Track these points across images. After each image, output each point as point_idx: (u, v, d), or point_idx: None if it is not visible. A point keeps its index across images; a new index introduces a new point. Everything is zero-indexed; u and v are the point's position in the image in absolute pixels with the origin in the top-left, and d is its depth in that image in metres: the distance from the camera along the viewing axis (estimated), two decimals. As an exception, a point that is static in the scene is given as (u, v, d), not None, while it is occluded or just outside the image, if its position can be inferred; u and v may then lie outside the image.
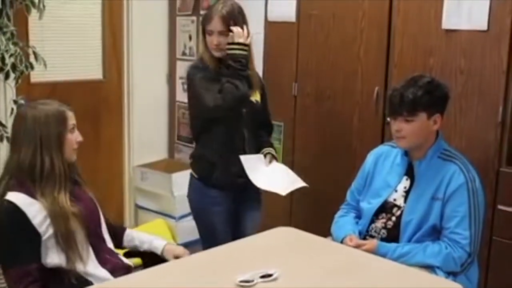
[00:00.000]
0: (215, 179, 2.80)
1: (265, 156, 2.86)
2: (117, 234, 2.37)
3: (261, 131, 2.94)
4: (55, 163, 2.09)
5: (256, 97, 2.85)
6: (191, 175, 2.91)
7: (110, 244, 2.26)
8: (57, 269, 2.05)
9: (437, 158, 2.43)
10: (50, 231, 2.03)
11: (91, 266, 2.10)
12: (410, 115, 2.36)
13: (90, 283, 2.05)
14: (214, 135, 2.77)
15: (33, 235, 2.01)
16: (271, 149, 2.91)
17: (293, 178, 2.86)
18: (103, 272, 2.11)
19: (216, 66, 2.75)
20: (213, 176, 2.80)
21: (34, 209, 2.02)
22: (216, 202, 2.82)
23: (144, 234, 2.42)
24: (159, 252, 2.32)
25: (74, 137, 2.17)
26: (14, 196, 2.03)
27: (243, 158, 2.75)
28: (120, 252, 2.36)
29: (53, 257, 2.04)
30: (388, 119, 3.04)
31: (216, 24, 2.72)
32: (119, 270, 2.15)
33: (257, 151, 2.87)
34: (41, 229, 2.02)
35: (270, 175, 2.80)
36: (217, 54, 2.77)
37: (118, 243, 2.37)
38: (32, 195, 2.05)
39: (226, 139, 2.77)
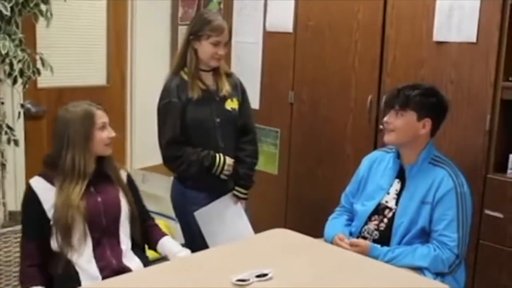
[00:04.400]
0: (191, 182, 2.85)
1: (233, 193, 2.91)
2: (151, 239, 2.44)
3: (242, 139, 2.94)
4: (77, 159, 2.20)
5: (232, 105, 2.87)
6: (173, 175, 2.95)
7: (124, 244, 2.29)
8: (57, 252, 2.18)
9: (428, 163, 2.48)
10: (53, 219, 2.17)
11: (84, 259, 2.17)
12: (401, 110, 2.44)
13: (77, 275, 2.15)
14: (188, 144, 2.79)
15: (40, 217, 2.18)
16: (240, 189, 2.91)
17: (242, 228, 2.90)
18: (93, 269, 2.17)
19: (199, 84, 2.78)
20: (188, 181, 2.85)
21: (48, 195, 2.18)
22: (193, 202, 2.84)
23: (174, 245, 2.43)
24: None
25: (105, 134, 2.28)
26: (35, 180, 2.23)
27: (197, 214, 2.80)
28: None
29: (53, 242, 2.18)
30: (381, 126, 3.16)
31: (225, 36, 2.77)
32: (109, 270, 2.19)
33: (235, 158, 2.89)
34: (49, 214, 2.17)
35: (223, 227, 2.84)
36: (217, 64, 2.80)
37: (153, 248, 2.45)
38: (51, 182, 2.21)
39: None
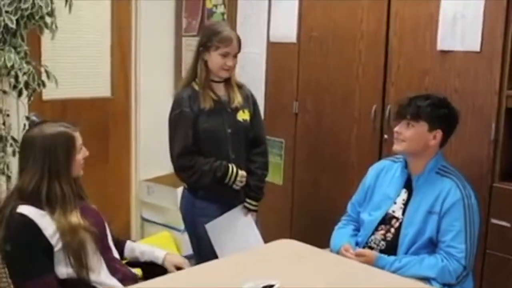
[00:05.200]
0: (202, 193, 2.85)
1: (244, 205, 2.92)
2: (118, 246, 2.38)
3: (253, 151, 2.94)
4: (64, 187, 2.09)
5: (243, 116, 2.88)
6: (184, 186, 2.96)
7: (116, 254, 2.29)
8: (69, 280, 2.07)
9: (435, 174, 2.49)
10: (60, 244, 2.04)
11: (103, 276, 2.13)
12: (413, 120, 2.44)
13: None
14: (199, 154, 2.81)
15: (46, 246, 2.03)
16: (250, 201, 2.92)
17: (253, 239, 2.89)
18: (114, 282, 2.14)
19: (210, 94, 2.79)
20: (199, 192, 2.86)
21: (45, 221, 2.03)
22: (203, 213, 2.84)
23: (144, 245, 2.45)
24: (160, 262, 2.35)
25: (81, 155, 2.19)
26: (25, 209, 2.03)
27: (208, 226, 2.81)
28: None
29: (62, 270, 2.06)
30: (386, 136, 3.16)
31: (234, 47, 2.77)
32: (128, 279, 2.18)
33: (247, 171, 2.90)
34: (53, 241, 2.03)
35: (233, 239, 2.83)
36: (226, 75, 2.82)
37: (120, 254, 2.38)
38: (42, 208, 2.06)
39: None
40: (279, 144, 3.72)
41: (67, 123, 2.18)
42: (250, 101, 2.94)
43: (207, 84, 2.82)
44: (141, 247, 2.42)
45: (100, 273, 2.13)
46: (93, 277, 2.10)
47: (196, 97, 2.80)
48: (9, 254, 2.04)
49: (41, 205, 2.05)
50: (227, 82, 2.88)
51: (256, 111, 2.97)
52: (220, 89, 2.87)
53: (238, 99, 2.86)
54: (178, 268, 2.35)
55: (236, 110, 2.87)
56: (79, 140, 2.18)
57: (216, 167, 2.77)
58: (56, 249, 2.04)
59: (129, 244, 2.42)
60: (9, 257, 2.05)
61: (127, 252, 2.41)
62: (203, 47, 2.81)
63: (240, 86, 2.94)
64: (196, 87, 2.83)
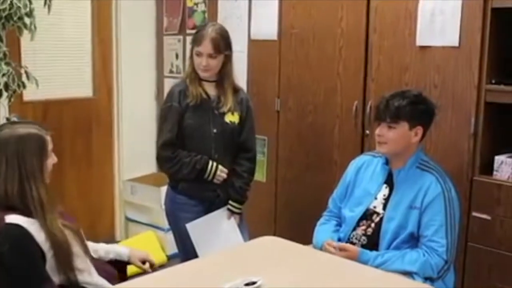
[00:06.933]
0: (181, 187, 2.88)
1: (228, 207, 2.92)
2: None
3: (241, 155, 2.95)
4: (41, 192, 2.00)
5: (231, 118, 2.88)
6: (168, 183, 2.98)
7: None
8: (61, 287, 2.01)
9: (416, 168, 2.49)
10: (52, 251, 1.97)
11: (95, 277, 2.10)
12: (393, 122, 2.45)
13: None
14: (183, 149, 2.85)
15: (41, 254, 1.95)
16: (234, 203, 2.92)
17: (235, 242, 2.89)
18: (103, 281, 2.11)
19: (198, 91, 2.82)
20: (179, 186, 2.89)
21: (34, 229, 1.95)
22: (183, 208, 2.87)
23: (106, 245, 2.39)
24: (125, 259, 2.35)
25: (52, 161, 2.11)
26: (15, 218, 1.94)
27: (189, 226, 2.82)
28: None
29: (54, 277, 1.99)
30: (367, 131, 3.19)
31: (206, 47, 2.77)
32: (112, 277, 2.18)
33: (232, 171, 2.91)
34: (45, 248, 1.96)
35: (215, 242, 2.84)
36: (205, 74, 2.83)
37: None
38: (29, 216, 1.97)
39: None
40: (261, 142, 3.71)
41: (39, 125, 2.10)
42: (243, 106, 2.93)
43: (194, 80, 2.85)
44: (104, 246, 2.38)
45: (92, 274, 2.10)
46: (87, 278, 2.07)
47: (187, 93, 2.84)
48: (9, 269, 1.93)
49: (27, 212, 1.97)
50: (219, 83, 2.88)
51: (248, 117, 2.95)
52: (212, 89, 2.88)
53: (228, 102, 2.86)
54: (143, 262, 2.38)
55: (225, 112, 2.87)
56: (50, 144, 2.09)
57: (196, 160, 2.81)
58: (48, 256, 1.97)
59: (92, 246, 2.36)
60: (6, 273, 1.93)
61: (91, 253, 2.36)
62: (191, 45, 2.88)
63: (237, 90, 2.94)
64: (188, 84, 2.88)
